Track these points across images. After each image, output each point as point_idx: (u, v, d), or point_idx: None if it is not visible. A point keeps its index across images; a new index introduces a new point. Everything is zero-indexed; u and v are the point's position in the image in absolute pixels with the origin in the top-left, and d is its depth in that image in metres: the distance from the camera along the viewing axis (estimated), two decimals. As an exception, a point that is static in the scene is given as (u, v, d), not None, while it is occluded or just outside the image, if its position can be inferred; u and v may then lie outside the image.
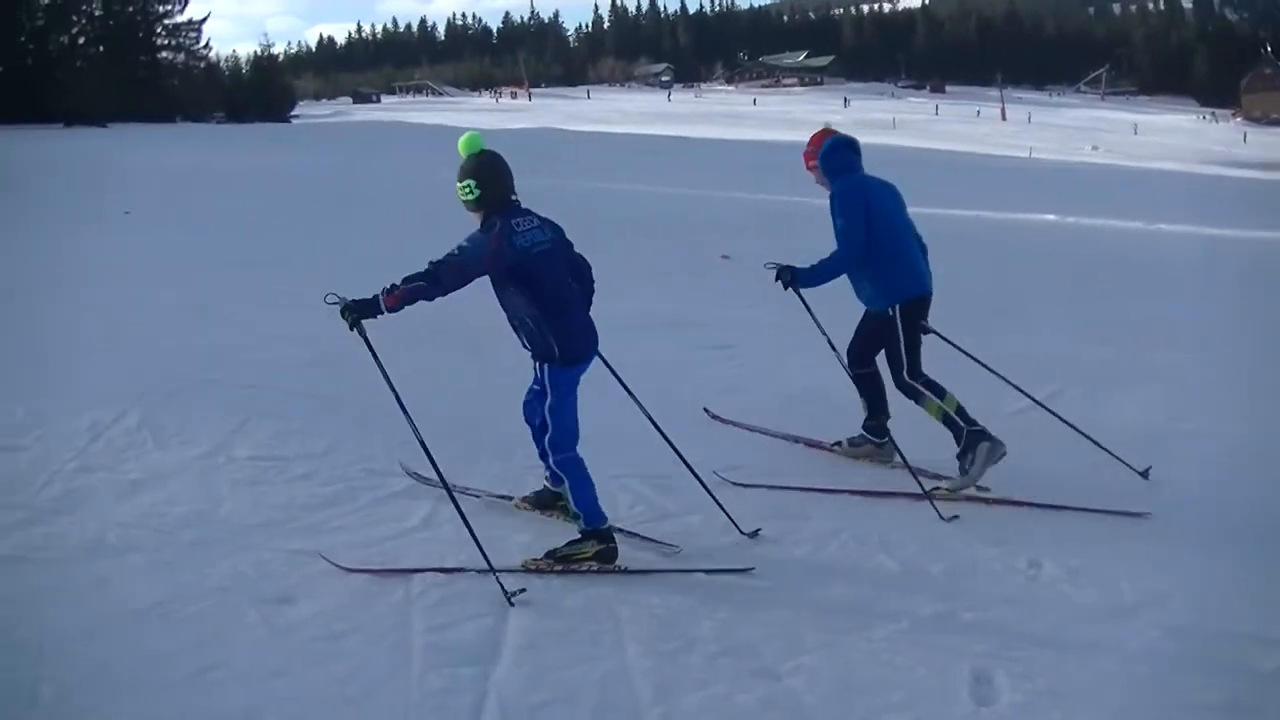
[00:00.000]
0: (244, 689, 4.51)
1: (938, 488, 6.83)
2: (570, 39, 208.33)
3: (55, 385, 8.45)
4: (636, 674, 4.70)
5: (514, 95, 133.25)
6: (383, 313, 5.38)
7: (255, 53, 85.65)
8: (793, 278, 7.04)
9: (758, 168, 32.74)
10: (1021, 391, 7.58)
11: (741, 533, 6.15)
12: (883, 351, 7.22)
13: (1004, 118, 79.13)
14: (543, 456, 5.94)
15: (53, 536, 5.90)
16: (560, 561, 5.71)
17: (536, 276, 5.64)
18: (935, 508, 6.53)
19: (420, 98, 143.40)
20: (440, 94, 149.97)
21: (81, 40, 67.49)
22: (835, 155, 7.17)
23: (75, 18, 67.05)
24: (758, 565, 5.76)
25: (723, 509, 6.23)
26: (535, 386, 5.90)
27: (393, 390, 5.63)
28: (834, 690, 4.60)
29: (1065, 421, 7.34)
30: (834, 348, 7.19)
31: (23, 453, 7.15)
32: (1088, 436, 7.24)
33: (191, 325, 10.70)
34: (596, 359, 6.11)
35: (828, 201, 7.13)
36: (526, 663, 4.76)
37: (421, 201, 24.21)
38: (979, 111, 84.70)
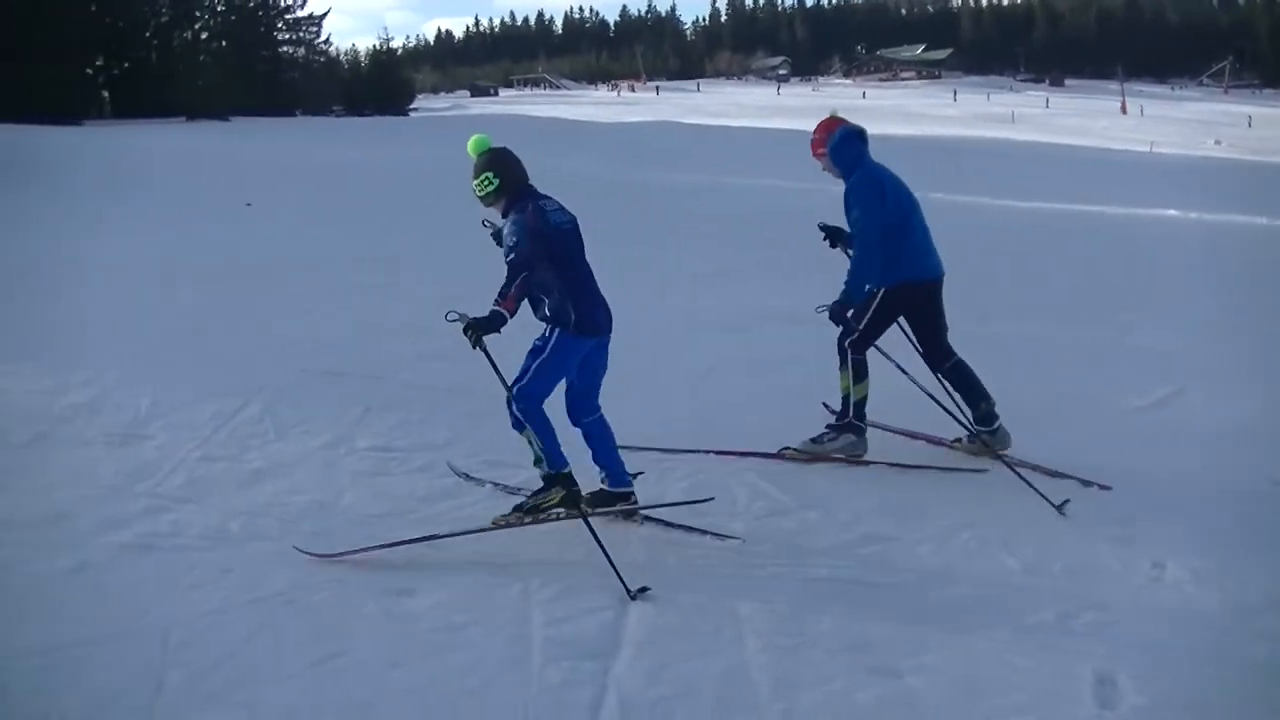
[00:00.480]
0: (364, 679, 4.59)
1: (787, 448, 7.23)
2: (687, 32, 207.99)
3: (180, 376, 8.68)
4: (756, 669, 4.69)
5: (631, 88, 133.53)
6: (506, 321, 5.67)
7: (374, 46, 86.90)
8: (841, 310, 7.08)
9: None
10: (961, 422, 7.41)
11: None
12: (942, 333, 7.36)
13: (1124, 111, 77.08)
14: (508, 403, 6.04)
15: (178, 524, 6.08)
16: (529, 514, 6.02)
17: (564, 251, 5.96)
18: (1045, 498, 6.50)
19: (538, 91, 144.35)
20: (558, 87, 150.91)
21: (204, 35, 69.06)
22: (847, 146, 7.24)
23: (198, 13, 68.63)
24: (880, 563, 5.75)
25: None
26: (537, 342, 6.06)
27: (506, 385, 5.91)
28: (954, 690, 4.55)
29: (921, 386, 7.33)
30: (902, 370, 7.26)
31: (148, 442, 7.38)
32: (937, 401, 7.31)
33: (314, 317, 10.91)
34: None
35: (852, 190, 7.16)
36: (646, 657, 4.77)
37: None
38: (1097, 107, 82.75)
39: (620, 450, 6.28)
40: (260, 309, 11.11)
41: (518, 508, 6.10)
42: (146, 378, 8.62)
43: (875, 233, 7.01)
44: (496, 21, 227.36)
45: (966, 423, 7.31)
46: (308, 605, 5.20)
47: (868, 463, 7.29)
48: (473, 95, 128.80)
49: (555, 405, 6.20)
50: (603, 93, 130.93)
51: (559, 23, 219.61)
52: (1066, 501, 6.43)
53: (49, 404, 8.08)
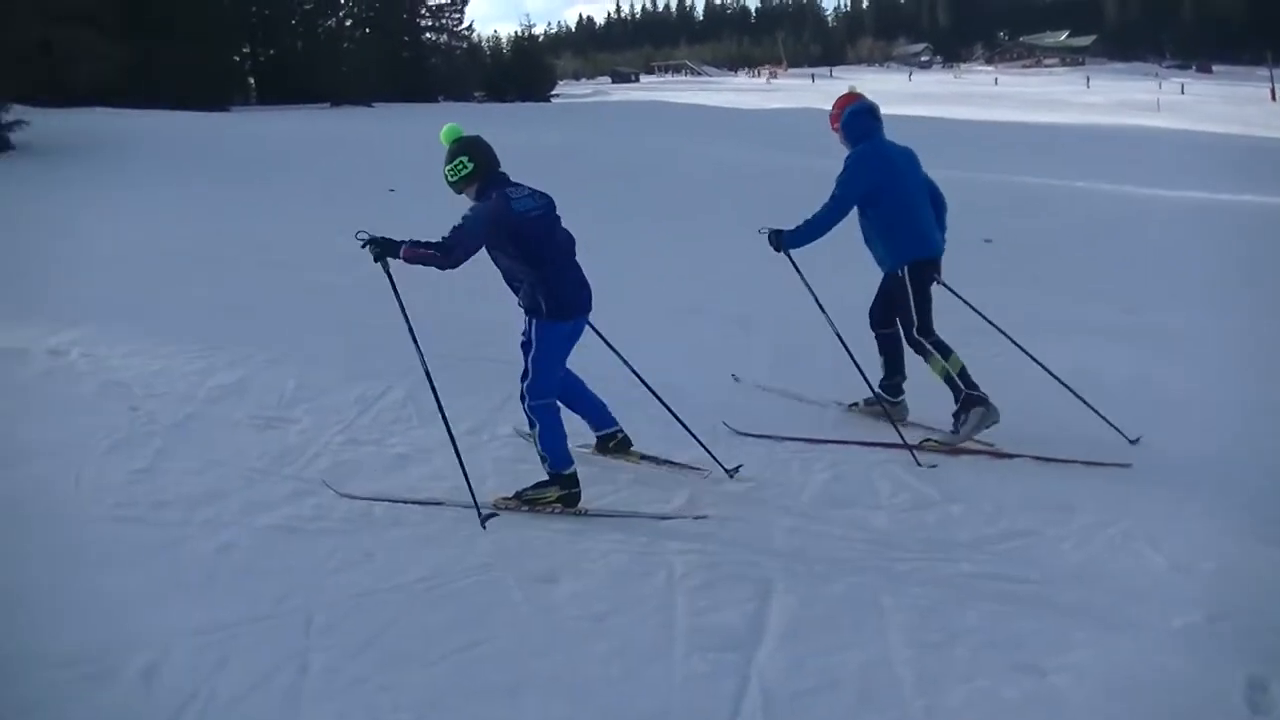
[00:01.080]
0: (507, 666, 4.62)
1: (928, 439, 7.38)
2: (829, 19, 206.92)
3: (325, 359, 8.84)
4: (899, 664, 4.64)
5: (773, 75, 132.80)
6: (397, 257, 6.02)
7: (516, 33, 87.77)
8: (779, 242, 7.53)
9: (1010, 147, 32.11)
10: (1020, 347, 7.91)
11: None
12: (928, 307, 7.58)
13: (1274, 98, 74.23)
14: (521, 398, 6.34)
15: (321, 508, 6.18)
16: (526, 502, 6.26)
17: (531, 238, 6.19)
18: (915, 457, 7.02)
19: (679, 77, 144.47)
20: (699, 73, 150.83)
21: (348, 22, 70.35)
22: (856, 121, 7.61)
23: (343, 0, 69.93)
24: (1024, 558, 5.67)
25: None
26: (523, 338, 6.36)
27: (407, 322, 6.49)
28: (1101, 690, 4.47)
29: (1058, 379, 7.69)
30: (823, 309, 7.54)
31: (293, 425, 7.53)
32: (1079, 397, 7.56)
33: (459, 301, 11.01)
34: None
35: (849, 160, 7.51)
36: (789, 649, 4.74)
37: (680, 179, 24.52)
38: (1245, 93, 79.83)
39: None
40: (404, 293, 11.21)
41: (518, 494, 6.31)
42: (292, 360, 8.83)
43: (844, 202, 7.39)
44: (638, 8, 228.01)
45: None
46: (450, 592, 5.24)
47: (1010, 455, 7.20)
48: (614, 81, 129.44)
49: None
50: (743, 79, 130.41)
51: (700, 9, 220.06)
52: (934, 466, 6.91)
53: (198, 385, 8.29)
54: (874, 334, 7.92)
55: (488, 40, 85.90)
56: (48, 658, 4.60)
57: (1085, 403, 7.53)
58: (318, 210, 17.35)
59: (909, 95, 69.55)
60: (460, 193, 6.43)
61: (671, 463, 6.85)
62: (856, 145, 7.55)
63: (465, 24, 76.86)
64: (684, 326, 10.68)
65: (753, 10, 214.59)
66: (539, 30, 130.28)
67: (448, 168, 6.35)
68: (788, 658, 4.67)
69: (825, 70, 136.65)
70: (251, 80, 64.62)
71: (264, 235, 15.27)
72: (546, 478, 6.31)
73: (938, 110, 53.98)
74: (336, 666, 4.59)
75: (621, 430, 6.91)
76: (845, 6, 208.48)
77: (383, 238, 6.03)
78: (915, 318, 7.47)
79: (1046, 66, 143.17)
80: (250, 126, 32.23)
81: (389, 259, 6.08)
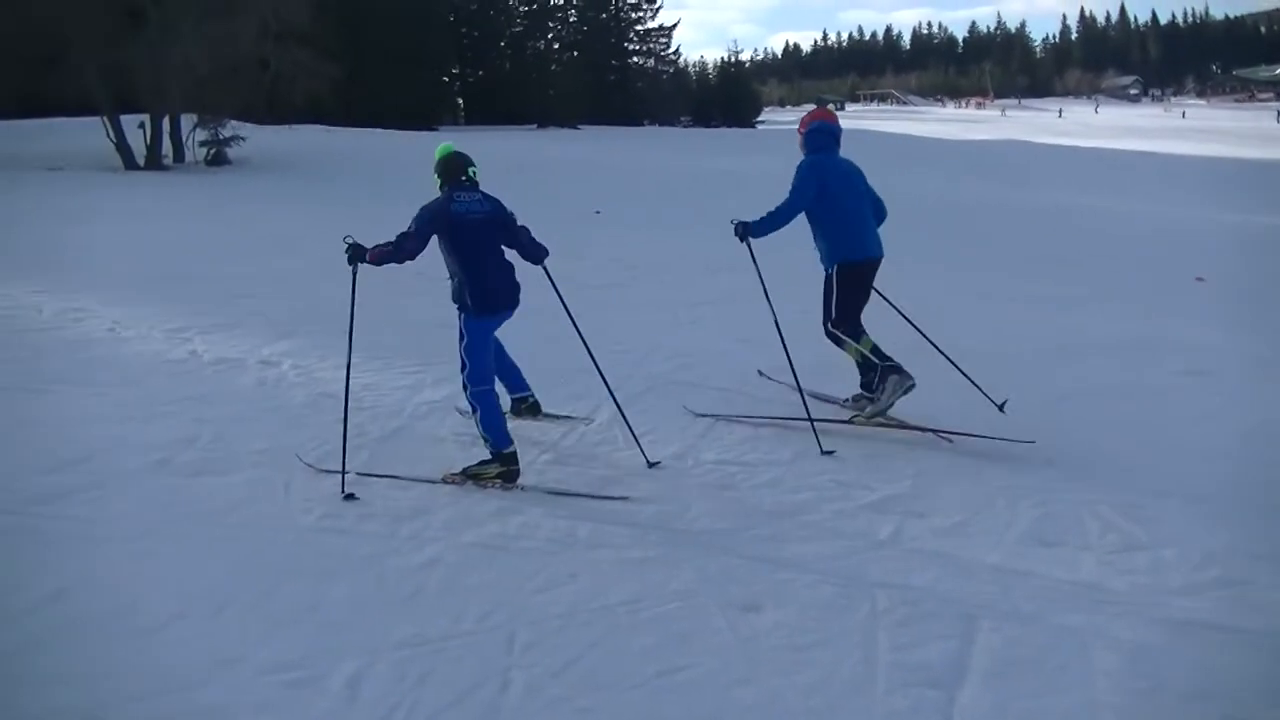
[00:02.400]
0: (708, 694, 4.61)
1: (856, 416, 8.37)
2: (1036, 50, 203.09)
3: (532, 379, 8.97)
4: (1106, 710, 4.53)
5: (979, 105, 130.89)
6: (364, 260, 6.95)
7: (722, 59, 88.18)
8: (744, 231, 8.39)
9: (1227, 185, 31.10)
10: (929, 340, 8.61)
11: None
12: (860, 306, 8.40)
13: None
14: (463, 387, 7.15)
15: (526, 527, 6.28)
16: (470, 477, 6.97)
17: (465, 238, 7.05)
18: (817, 439, 7.76)
19: (884, 106, 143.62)
20: (904, 103, 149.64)
21: (556, 45, 71.62)
22: (814, 137, 8.58)
23: (551, 24, 71.20)
24: (1236, 607, 5.45)
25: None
26: (459, 331, 7.16)
27: (350, 325, 7.18)
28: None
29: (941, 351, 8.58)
30: (769, 299, 8.32)
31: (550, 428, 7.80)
32: (957, 367, 8.47)
33: (663, 326, 11.13)
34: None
35: (798, 169, 8.38)
36: (992, 690, 4.66)
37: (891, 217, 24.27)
38: None
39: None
40: (612, 316, 11.38)
41: (464, 470, 7.03)
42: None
43: (794, 201, 8.28)
44: (845, 36, 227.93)
45: (987, 395, 8.30)
46: (653, 616, 5.25)
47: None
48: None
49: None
50: (949, 110, 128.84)
51: (907, 38, 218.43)
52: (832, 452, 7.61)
53: (407, 399, 8.55)
54: (829, 334, 8.51)
55: (694, 65, 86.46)
56: (255, 662, 4.78)
57: (964, 373, 8.39)
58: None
59: (1121, 129, 67.94)
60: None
61: (557, 416, 8.03)
62: (807, 156, 8.52)
63: (672, 49, 77.66)
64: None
65: (960, 40, 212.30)
66: (745, 56, 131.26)
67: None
68: (991, 699, 4.59)
69: (1014, 101, 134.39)
70: (460, 101, 66.19)
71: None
72: (489, 456, 7.00)
73: (1151, 145, 52.60)
74: (537, 686, 4.64)
75: (533, 395, 7.89)
76: (1054, 38, 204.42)
77: (357, 244, 6.96)
78: (834, 312, 8.36)
79: (1260, 100, 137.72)
80: (462, 144, 32.98)
81: (359, 262, 7.00)
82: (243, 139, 32.53)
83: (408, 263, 7.02)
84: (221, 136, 32.34)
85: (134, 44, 28.95)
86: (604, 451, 7.67)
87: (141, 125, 30.86)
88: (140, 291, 12.46)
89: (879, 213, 8.73)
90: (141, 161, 30.32)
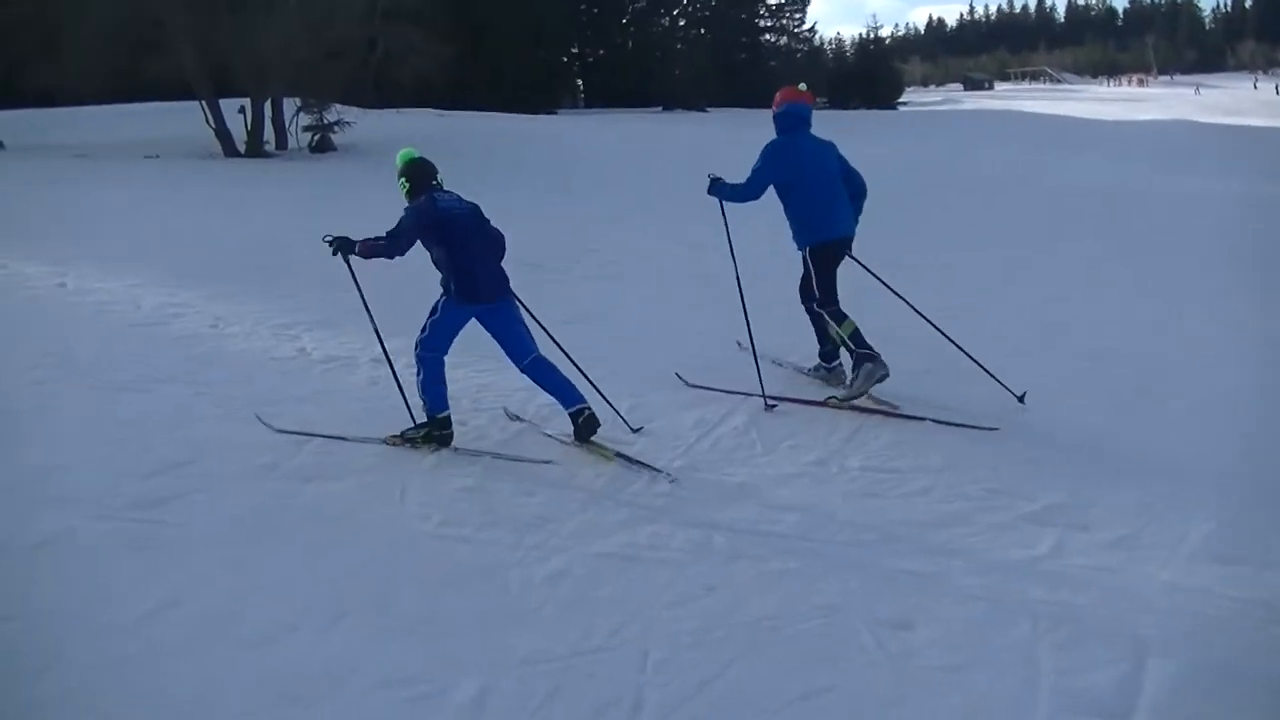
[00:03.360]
0: (853, 716, 4.63)
1: (831, 398, 8.98)
2: (1206, 20, 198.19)
3: (661, 380, 9.10)
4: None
5: (1140, 83, 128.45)
6: (354, 253, 7.69)
7: (860, 35, 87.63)
8: (712, 185, 9.27)
9: None
10: (922, 315, 9.31)
11: None
12: (833, 284, 9.11)
13: None
14: (415, 346, 7.96)
15: (658, 537, 6.33)
16: (407, 440, 7.84)
17: (451, 233, 7.82)
18: (765, 402, 8.69)
19: (1036, 85, 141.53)
20: (1058, 81, 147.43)
21: (682, 22, 71.51)
22: (784, 118, 9.28)
23: (679, -1, 71.04)
24: None
25: None
26: (434, 305, 7.97)
27: (366, 307, 8.07)
28: None
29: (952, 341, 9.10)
30: (735, 264, 9.35)
31: (629, 448, 7.74)
32: (971, 357, 8.98)
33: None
34: None
35: (766, 147, 9.15)
36: (1166, 721, 4.60)
37: (1043, 195, 23.97)
38: None
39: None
40: (757, 310, 11.41)
41: (401, 434, 7.89)
42: (626, 379, 9.10)
43: (753, 180, 9.07)
44: (993, 9, 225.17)
45: (1006, 386, 8.87)
46: (795, 633, 5.28)
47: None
48: (966, 89, 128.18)
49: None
50: (1105, 88, 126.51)
51: (1061, 10, 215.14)
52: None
53: (529, 400, 8.65)
54: (808, 310, 9.29)
55: (829, 43, 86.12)
56: (371, 675, 4.89)
57: (976, 361, 8.90)
58: (655, 224, 17.84)
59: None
60: (409, 202, 8.04)
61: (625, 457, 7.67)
62: (779, 135, 9.22)
63: (806, 25, 77.28)
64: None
65: (1120, 12, 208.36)
66: (885, 32, 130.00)
67: (398, 184, 8.19)
68: (1164, 732, 4.53)
69: (1168, 78, 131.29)
70: (579, 82, 66.47)
71: (596, 244, 15.81)
72: (426, 419, 7.84)
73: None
74: (672, 705, 4.69)
75: (589, 407, 7.90)
76: (1225, 6, 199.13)
77: (343, 237, 7.70)
78: (816, 292, 9.08)
79: None
80: (579, 130, 33.21)
81: (349, 255, 7.73)
82: (348, 124, 32.96)
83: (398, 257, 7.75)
84: (326, 121, 32.81)
85: (233, 23, 29.42)
86: (741, 455, 7.71)
87: (242, 110, 31.36)
88: (242, 285, 12.73)
89: (857, 189, 9.35)
90: (242, 148, 30.81)
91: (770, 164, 9.07)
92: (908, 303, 9.33)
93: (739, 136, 31.90)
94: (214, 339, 10.40)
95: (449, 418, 7.89)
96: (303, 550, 6.14)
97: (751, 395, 8.82)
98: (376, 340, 8.05)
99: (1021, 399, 8.70)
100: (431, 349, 7.91)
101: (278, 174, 26.56)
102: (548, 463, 7.50)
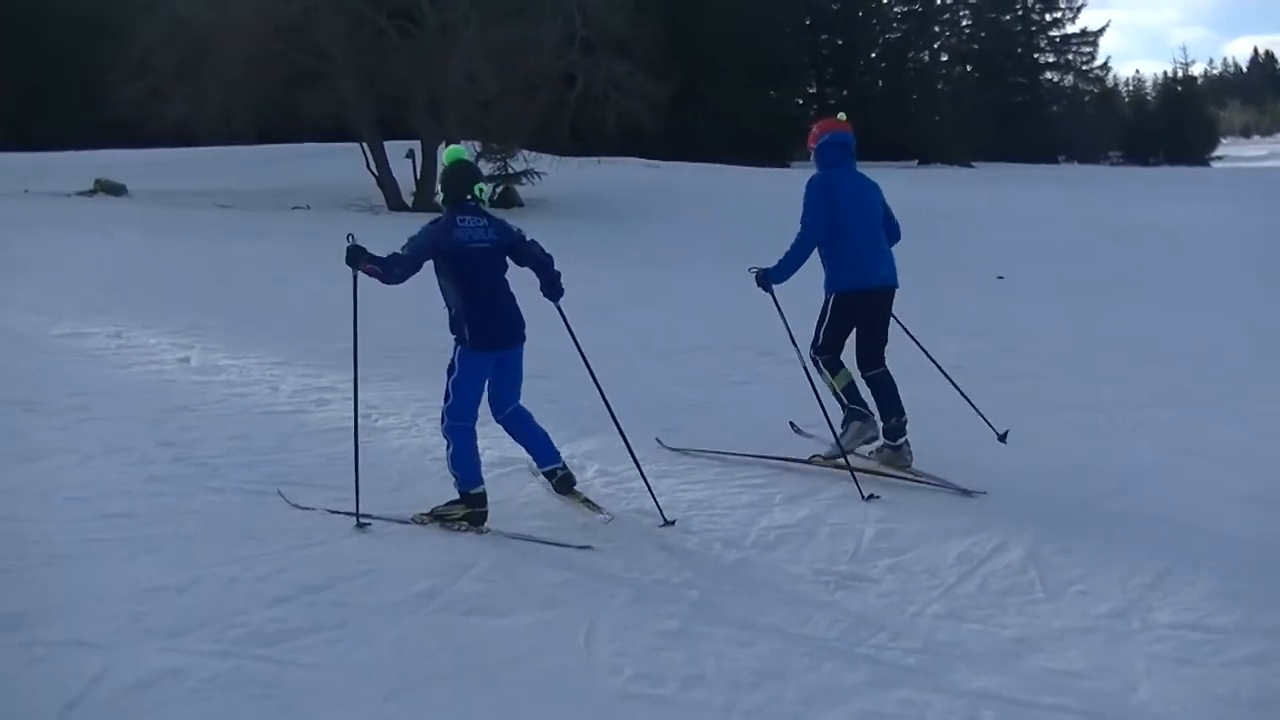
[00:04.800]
0: None
1: (815, 455, 10.02)
2: None
3: (911, 501, 8.84)
4: None
5: None
6: (360, 268, 8.21)
7: (1164, 74, 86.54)
8: (765, 279, 9.91)
9: None
10: (954, 384, 10.39)
11: None
12: (879, 341, 10.06)
13: None
14: (440, 420, 8.56)
15: (910, 704, 6.05)
16: (437, 518, 8.40)
17: (466, 269, 8.30)
18: (857, 484, 9.27)
19: None
20: None
21: (945, 57, 71.28)
22: (826, 152, 9.99)
23: (938, 27, 70.92)
24: None
25: None
26: (451, 361, 8.54)
27: (355, 328, 8.77)
28: None
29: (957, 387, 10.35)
30: (796, 345, 10.02)
31: (872, 587, 7.56)
32: (971, 402, 10.24)
33: (1092, 432, 10.84)
34: None
35: (806, 189, 9.86)
36: None
37: None
38: None
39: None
40: (1024, 413, 11.17)
41: (431, 511, 8.45)
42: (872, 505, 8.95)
43: (808, 233, 9.72)
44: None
45: (992, 427, 10.13)
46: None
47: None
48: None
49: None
50: None
51: None
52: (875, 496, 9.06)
53: (749, 523, 8.53)
54: (865, 377, 10.06)
55: (1127, 83, 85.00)
56: None
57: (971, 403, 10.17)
58: (922, 296, 17.67)
59: None
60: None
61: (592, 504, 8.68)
62: (821, 171, 9.89)
63: (1098, 60, 76.36)
64: None
65: None
66: (1196, 70, 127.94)
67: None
68: None
69: None
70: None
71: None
72: (457, 496, 8.41)
73: None
74: None
75: (563, 468, 8.77)
76: None
77: (360, 246, 8.16)
78: (820, 338, 9.97)
79: None
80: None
81: (356, 268, 8.23)
82: (539, 175, 33.33)
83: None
84: (512, 170, 33.31)
85: (403, 53, 29.85)
86: (1016, 600, 7.42)
87: (410, 154, 31.86)
88: (400, 367, 12.82)
89: (893, 233, 10.24)
90: (410, 200, 31.28)
91: (820, 202, 9.69)
92: (948, 377, 10.37)
93: (1017, 196, 31.70)
94: (364, 432, 10.42)
95: (484, 494, 8.43)
96: (459, 707, 5.99)
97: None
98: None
99: (1003, 438, 10.07)
100: (460, 417, 8.45)
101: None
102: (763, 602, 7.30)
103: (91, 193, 31.46)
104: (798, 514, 8.71)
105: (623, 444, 8.79)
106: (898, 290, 9.96)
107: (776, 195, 29.40)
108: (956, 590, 7.53)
